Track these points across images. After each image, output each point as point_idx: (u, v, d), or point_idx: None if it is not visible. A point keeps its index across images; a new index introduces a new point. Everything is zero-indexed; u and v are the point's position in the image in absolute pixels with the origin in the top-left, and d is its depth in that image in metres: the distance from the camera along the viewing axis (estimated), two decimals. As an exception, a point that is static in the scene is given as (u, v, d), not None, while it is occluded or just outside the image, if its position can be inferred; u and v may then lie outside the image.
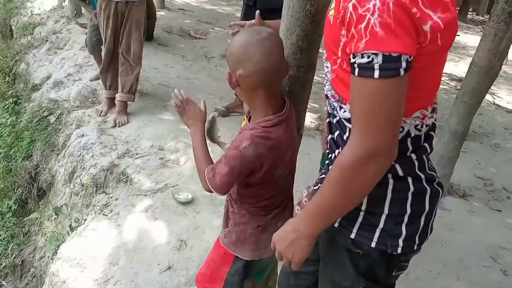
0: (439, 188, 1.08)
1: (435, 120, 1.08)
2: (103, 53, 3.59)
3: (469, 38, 11.22)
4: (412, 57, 0.83)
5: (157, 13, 5.79)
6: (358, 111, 0.90)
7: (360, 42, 0.83)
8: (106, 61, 3.53)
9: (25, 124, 4.19)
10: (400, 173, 1.01)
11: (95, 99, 4.03)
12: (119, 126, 3.45)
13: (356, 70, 0.86)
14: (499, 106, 5.96)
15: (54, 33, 5.93)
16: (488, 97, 5.35)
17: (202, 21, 6.87)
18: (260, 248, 1.46)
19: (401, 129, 0.96)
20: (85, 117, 3.70)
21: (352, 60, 0.87)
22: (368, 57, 0.83)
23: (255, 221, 1.44)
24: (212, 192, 1.34)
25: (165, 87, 4.29)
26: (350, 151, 0.92)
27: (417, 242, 1.06)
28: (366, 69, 0.84)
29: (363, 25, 0.82)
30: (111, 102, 3.64)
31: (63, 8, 6.75)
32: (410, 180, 1.03)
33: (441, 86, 6.18)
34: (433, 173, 1.07)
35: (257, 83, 1.25)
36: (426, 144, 1.06)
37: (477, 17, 16.09)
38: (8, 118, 4.98)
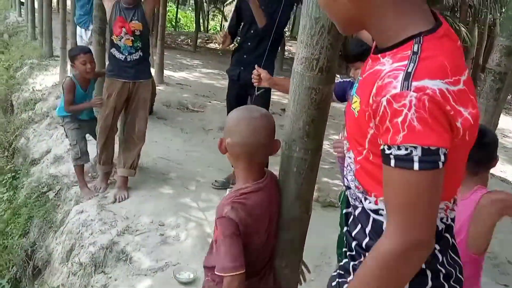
0: (456, 286, 1.07)
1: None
2: (98, 133, 3.59)
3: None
4: (447, 150, 0.87)
5: (156, 88, 6.00)
6: (397, 202, 0.92)
7: (398, 135, 0.86)
8: (104, 137, 3.55)
9: (23, 200, 4.16)
10: (422, 265, 0.99)
11: (95, 173, 4.04)
12: (119, 202, 3.43)
13: (393, 161, 0.89)
14: (493, 174, 6.03)
15: (54, 109, 6.06)
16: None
17: (199, 95, 7.10)
18: None
19: None
20: (84, 192, 3.69)
21: (387, 152, 0.90)
22: (407, 149, 0.86)
23: None
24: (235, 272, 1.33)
25: (165, 160, 4.34)
26: (392, 243, 0.92)
27: None
28: (404, 161, 0.87)
29: (399, 119, 0.86)
30: (107, 176, 3.65)
31: (64, 84, 6.96)
32: (429, 274, 1.02)
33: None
34: (452, 269, 1.06)
35: (240, 153, 1.43)
36: (447, 235, 1.07)
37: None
38: (5, 193, 4.94)
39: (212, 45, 15.85)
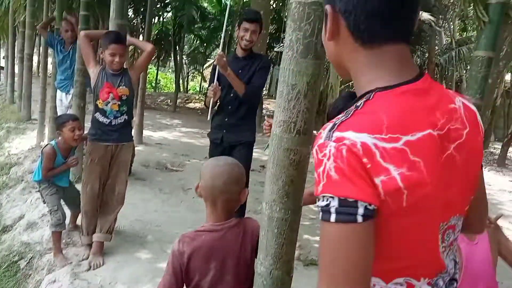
0: None
1: None
2: (83, 203, 3.49)
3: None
4: (373, 206, 0.79)
5: (135, 148, 5.98)
6: (321, 258, 0.84)
7: (319, 185, 0.82)
8: (93, 206, 3.45)
9: (-8, 270, 3.94)
10: None
11: (69, 239, 3.90)
12: (94, 269, 3.29)
13: (320, 213, 0.82)
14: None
15: (30, 173, 5.93)
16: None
17: (178, 154, 7.10)
18: None
19: None
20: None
21: (317, 203, 0.84)
22: (326, 200, 0.81)
23: None
24: None
25: (142, 222, 4.24)
26: None
27: None
28: (324, 212, 0.81)
29: (321, 169, 0.82)
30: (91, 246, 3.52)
31: (41, 147, 6.87)
32: None
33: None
34: None
35: (205, 195, 1.59)
36: None
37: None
38: (-28, 263, 4.68)
39: (191, 105, 16.12)
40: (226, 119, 3.49)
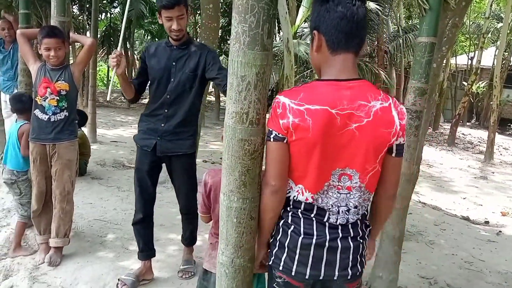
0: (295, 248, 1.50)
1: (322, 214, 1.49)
2: (33, 202, 3.42)
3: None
4: (279, 134, 1.42)
5: (90, 147, 5.83)
6: (266, 159, 1.48)
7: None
8: (39, 205, 3.39)
9: None
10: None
11: (25, 243, 3.77)
12: (54, 266, 3.24)
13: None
14: (424, 203, 6.40)
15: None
16: (413, 196, 5.77)
17: (135, 151, 6.97)
18: (211, 261, 2.02)
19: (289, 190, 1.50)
20: (14, 265, 3.41)
21: None
22: (268, 129, 1.47)
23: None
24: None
25: (101, 221, 4.16)
26: (263, 187, 1.51)
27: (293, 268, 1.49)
28: (267, 136, 1.47)
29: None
30: (48, 247, 3.42)
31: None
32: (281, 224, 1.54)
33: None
34: (296, 236, 1.50)
35: None
36: (295, 210, 1.51)
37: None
38: None
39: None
40: (162, 125, 2.85)
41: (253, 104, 1.39)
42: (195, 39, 21.96)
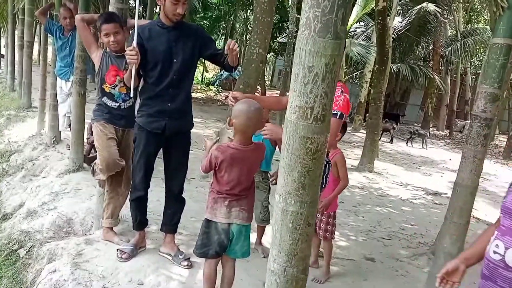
0: None
1: None
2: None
3: (433, 152, 11.82)
4: None
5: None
6: None
7: None
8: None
9: (-9, 259, 3.86)
10: None
11: (69, 229, 3.82)
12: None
13: None
14: (478, 219, 6.01)
15: (30, 160, 5.85)
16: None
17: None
18: (213, 212, 2.49)
19: None
20: (58, 249, 3.44)
21: None
22: None
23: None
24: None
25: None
26: None
27: None
28: None
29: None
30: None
31: (41, 135, 6.78)
32: None
33: (419, 201, 6.18)
34: None
35: (238, 128, 2.38)
36: None
37: (438, 132, 17.20)
38: (-27, 251, 4.62)
39: (193, 94, 16.00)
40: (169, 104, 2.94)
41: (319, 98, 1.25)
42: (245, 35, 21.84)
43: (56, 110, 6.08)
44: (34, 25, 8.70)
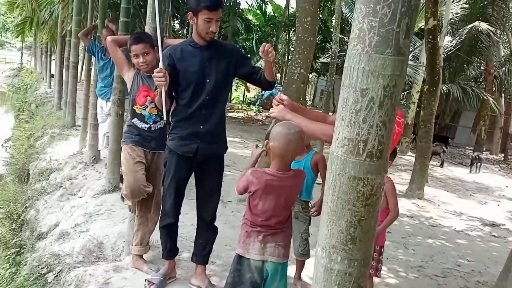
0: None
1: None
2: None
3: (487, 178, 11.05)
4: None
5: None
6: None
7: None
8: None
9: (21, 281, 3.79)
10: None
11: (100, 253, 3.69)
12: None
13: None
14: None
15: (69, 179, 5.86)
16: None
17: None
18: (246, 247, 2.29)
19: None
20: (85, 276, 3.30)
21: None
22: None
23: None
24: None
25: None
26: None
27: None
28: None
29: None
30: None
31: (82, 154, 6.83)
32: None
33: (475, 232, 5.65)
34: None
35: (276, 153, 2.19)
36: None
37: (492, 156, 16.22)
38: (8, 270, 4.60)
39: (234, 114, 15.99)
40: (202, 126, 2.81)
41: (374, 130, 0.99)
42: (287, 55, 21.99)
43: (97, 129, 6.12)
44: (79, 47, 8.94)
